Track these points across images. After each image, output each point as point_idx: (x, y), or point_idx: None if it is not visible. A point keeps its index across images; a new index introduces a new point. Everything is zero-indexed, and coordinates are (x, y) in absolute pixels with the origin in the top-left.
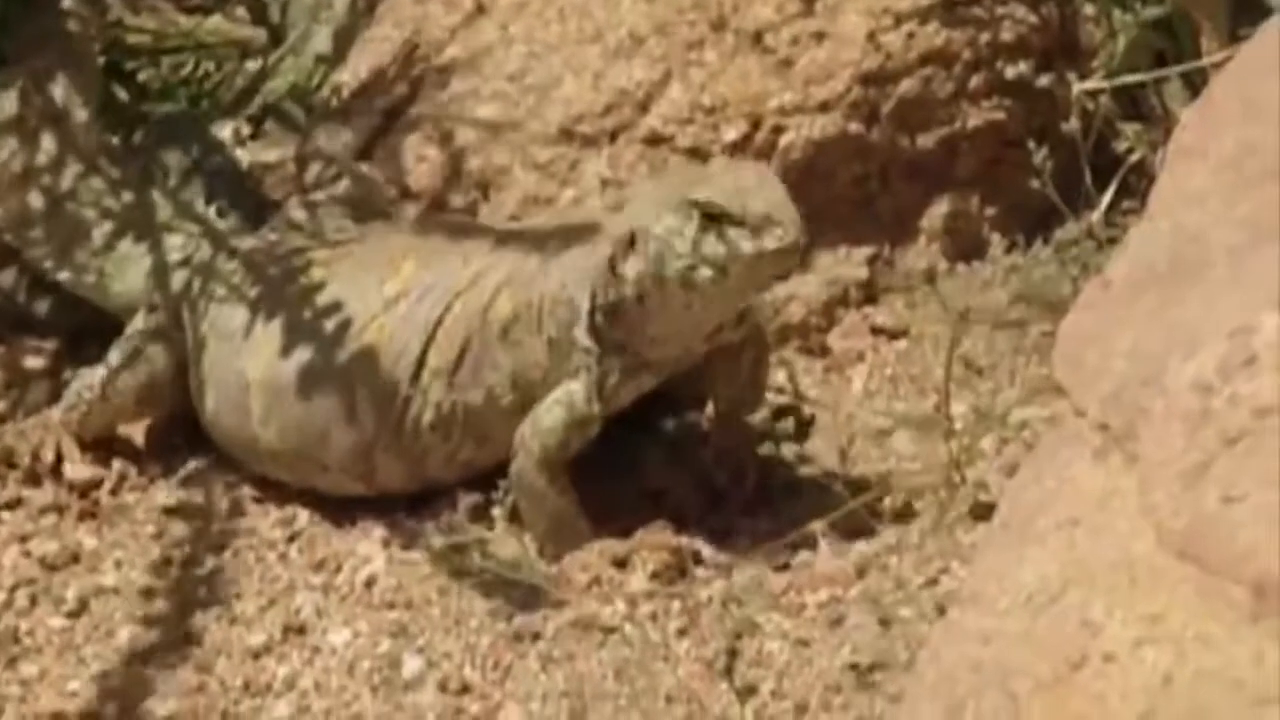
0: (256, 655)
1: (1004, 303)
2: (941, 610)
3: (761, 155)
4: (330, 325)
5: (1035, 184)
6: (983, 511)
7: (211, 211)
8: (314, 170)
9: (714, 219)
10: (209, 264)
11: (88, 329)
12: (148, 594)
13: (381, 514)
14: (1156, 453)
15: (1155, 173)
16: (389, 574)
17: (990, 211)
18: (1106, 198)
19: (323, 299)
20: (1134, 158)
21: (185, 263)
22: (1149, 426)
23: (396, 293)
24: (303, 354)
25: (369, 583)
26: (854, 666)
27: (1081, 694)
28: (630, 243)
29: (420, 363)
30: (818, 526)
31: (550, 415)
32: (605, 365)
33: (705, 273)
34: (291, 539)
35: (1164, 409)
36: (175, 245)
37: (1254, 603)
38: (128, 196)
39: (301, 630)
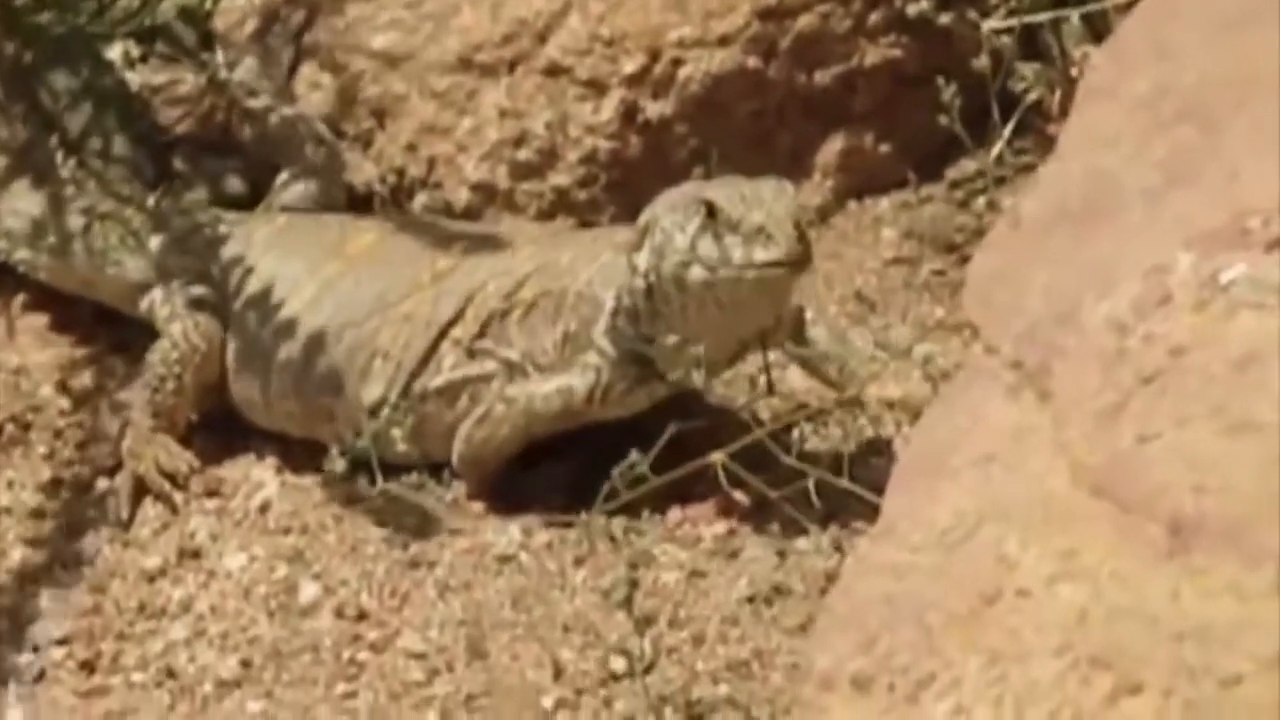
0: (151, 578)
1: (896, 239)
2: (838, 546)
3: (660, 88)
4: (376, 287)
5: (935, 121)
6: (881, 446)
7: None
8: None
9: (715, 220)
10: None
11: None
12: (38, 515)
13: (274, 439)
14: (1071, 391)
15: (1052, 113)
16: (283, 499)
17: (884, 149)
18: (1004, 136)
19: (376, 261)
20: (1031, 97)
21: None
22: (1063, 364)
23: (447, 266)
24: (335, 307)
25: (263, 508)
26: (750, 599)
27: (996, 628)
28: (643, 233)
29: (443, 332)
30: (717, 458)
31: (546, 398)
32: (616, 371)
33: (698, 272)
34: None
35: (1078, 347)
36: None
37: (1169, 540)
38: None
39: (196, 554)
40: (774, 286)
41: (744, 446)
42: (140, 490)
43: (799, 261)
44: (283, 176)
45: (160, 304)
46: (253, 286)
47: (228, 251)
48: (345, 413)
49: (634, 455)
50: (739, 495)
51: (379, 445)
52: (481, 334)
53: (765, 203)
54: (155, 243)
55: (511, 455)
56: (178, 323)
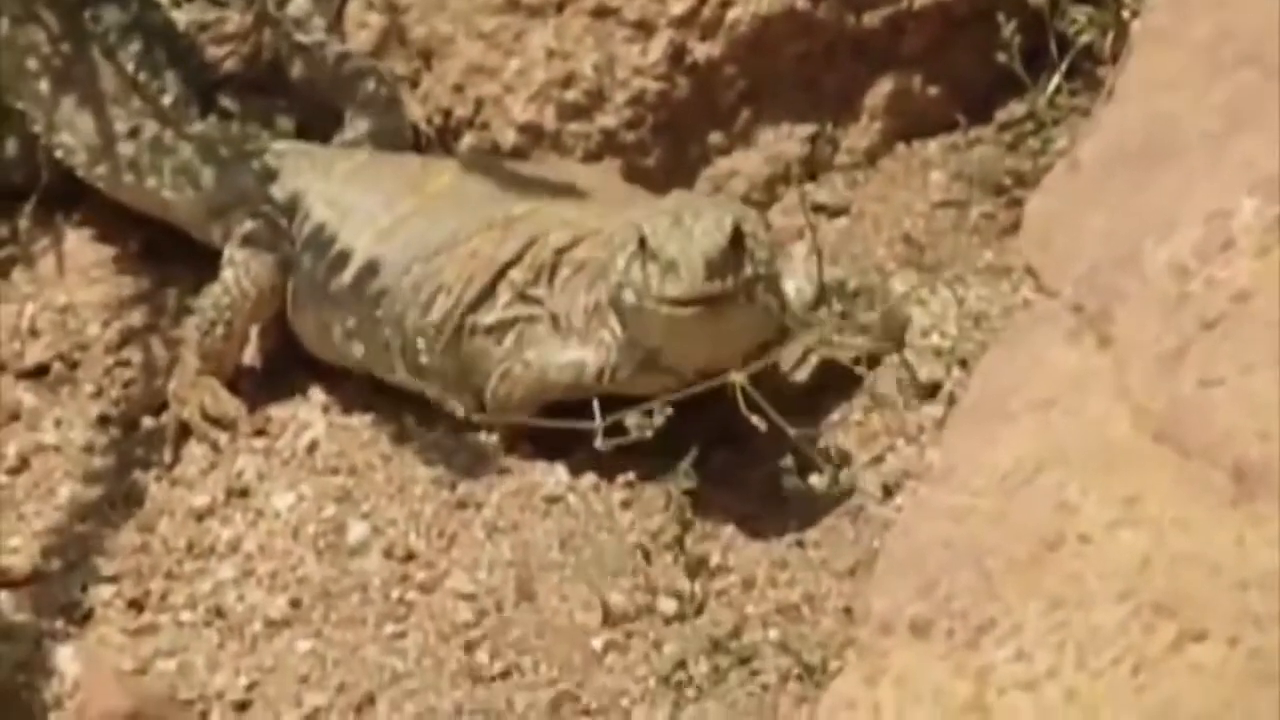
0: (200, 517)
1: (944, 181)
2: (888, 489)
3: (708, 30)
4: (449, 225)
5: (984, 64)
6: (929, 391)
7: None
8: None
9: (643, 248)
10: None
11: None
12: (87, 453)
13: (322, 379)
14: (1132, 335)
15: (1103, 56)
16: (330, 439)
17: (933, 91)
18: (1055, 80)
19: (451, 200)
20: (1083, 40)
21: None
22: (1124, 309)
23: (521, 212)
24: (406, 241)
25: (311, 448)
26: (800, 542)
27: (1057, 574)
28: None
29: (503, 271)
30: (736, 378)
31: (559, 369)
32: (624, 354)
33: (627, 296)
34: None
35: (1139, 292)
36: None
37: (1234, 487)
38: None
39: (244, 493)
40: (684, 324)
41: (799, 388)
42: (185, 433)
43: (709, 299)
44: (349, 112)
45: (223, 241)
46: (327, 216)
47: (303, 180)
48: (402, 346)
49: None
50: (755, 419)
51: (425, 388)
52: (534, 281)
53: (691, 236)
54: (218, 169)
55: (532, 413)
56: (231, 269)
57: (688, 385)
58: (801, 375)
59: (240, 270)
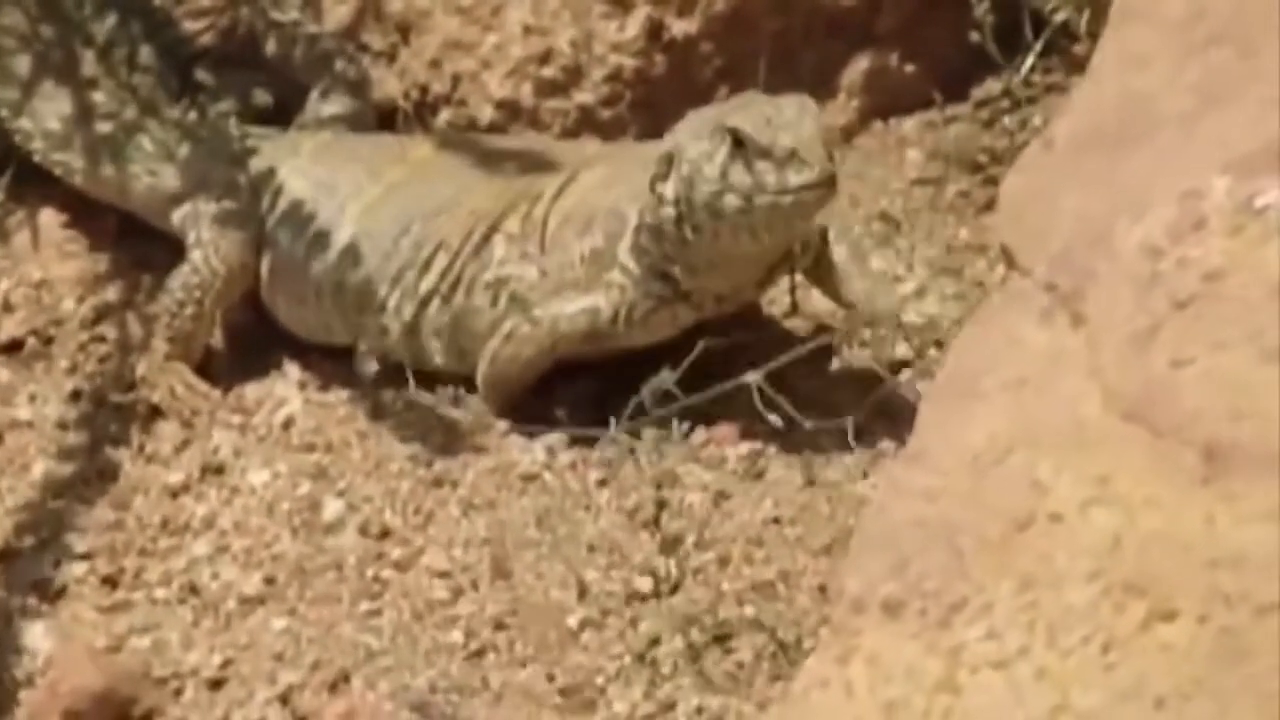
0: (174, 494)
1: (921, 159)
2: (864, 468)
3: (685, 6)
4: (447, 189)
5: (960, 41)
6: (899, 369)
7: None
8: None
9: (744, 148)
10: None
11: None
12: (61, 429)
13: (298, 355)
14: (1105, 315)
15: (1079, 33)
16: (306, 415)
17: (910, 69)
18: (1030, 58)
19: (439, 168)
20: (1059, 18)
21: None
22: (1097, 288)
23: (515, 169)
24: (403, 204)
25: (287, 424)
26: (776, 520)
27: (1029, 553)
28: (669, 162)
29: (496, 225)
30: (752, 378)
31: (571, 318)
32: (640, 289)
33: (731, 200)
34: (207, 378)
35: (1112, 271)
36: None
37: (1204, 466)
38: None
39: (219, 470)
40: (810, 207)
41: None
42: (156, 412)
43: (833, 180)
44: (315, 93)
45: (189, 224)
46: (304, 190)
47: (270, 160)
48: (390, 312)
49: (665, 372)
50: (773, 417)
51: (415, 354)
52: (528, 235)
53: (792, 125)
54: (185, 153)
55: (536, 377)
56: (199, 250)
57: (703, 318)
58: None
59: (209, 250)
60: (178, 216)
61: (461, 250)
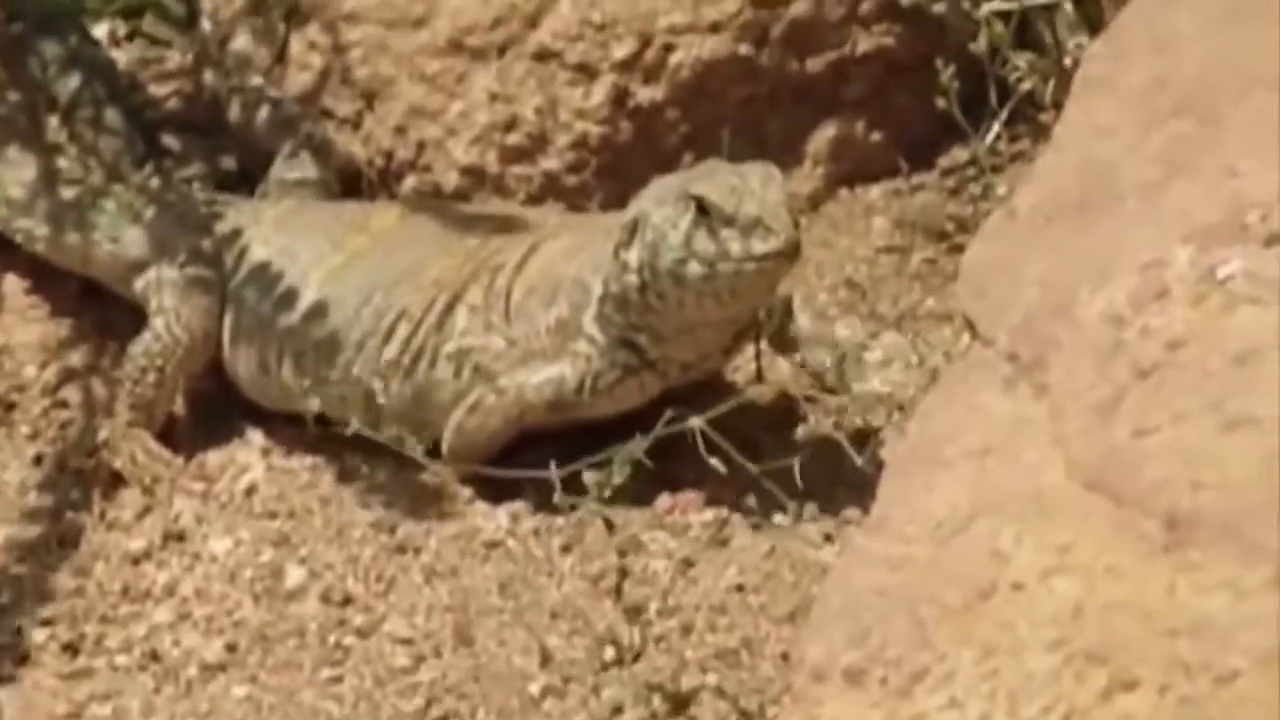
0: (135, 561)
1: (887, 227)
2: (828, 535)
3: (651, 74)
4: (408, 257)
5: (927, 110)
6: (864, 437)
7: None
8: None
9: (708, 215)
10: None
11: None
12: (22, 495)
13: (261, 422)
14: (1067, 384)
15: (1044, 102)
16: (269, 483)
17: (876, 137)
18: (996, 126)
19: (404, 236)
20: (1025, 87)
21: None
22: (1059, 357)
23: (479, 241)
24: (365, 274)
25: (249, 491)
26: (739, 587)
27: (990, 621)
28: (632, 229)
29: (458, 295)
30: (695, 422)
31: (537, 388)
32: (605, 359)
33: (695, 268)
34: (169, 445)
35: (1075, 340)
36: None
37: (1165, 535)
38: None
39: (181, 537)
40: (774, 275)
41: (736, 434)
42: (119, 479)
43: (797, 248)
44: (278, 158)
45: (151, 291)
46: (267, 256)
47: (232, 226)
48: (351, 381)
49: (636, 440)
50: (714, 461)
51: (375, 424)
52: (491, 306)
53: (757, 193)
54: (149, 218)
55: (501, 447)
56: (161, 317)
57: (669, 386)
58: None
59: (170, 317)
60: (140, 283)
61: (424, 320)
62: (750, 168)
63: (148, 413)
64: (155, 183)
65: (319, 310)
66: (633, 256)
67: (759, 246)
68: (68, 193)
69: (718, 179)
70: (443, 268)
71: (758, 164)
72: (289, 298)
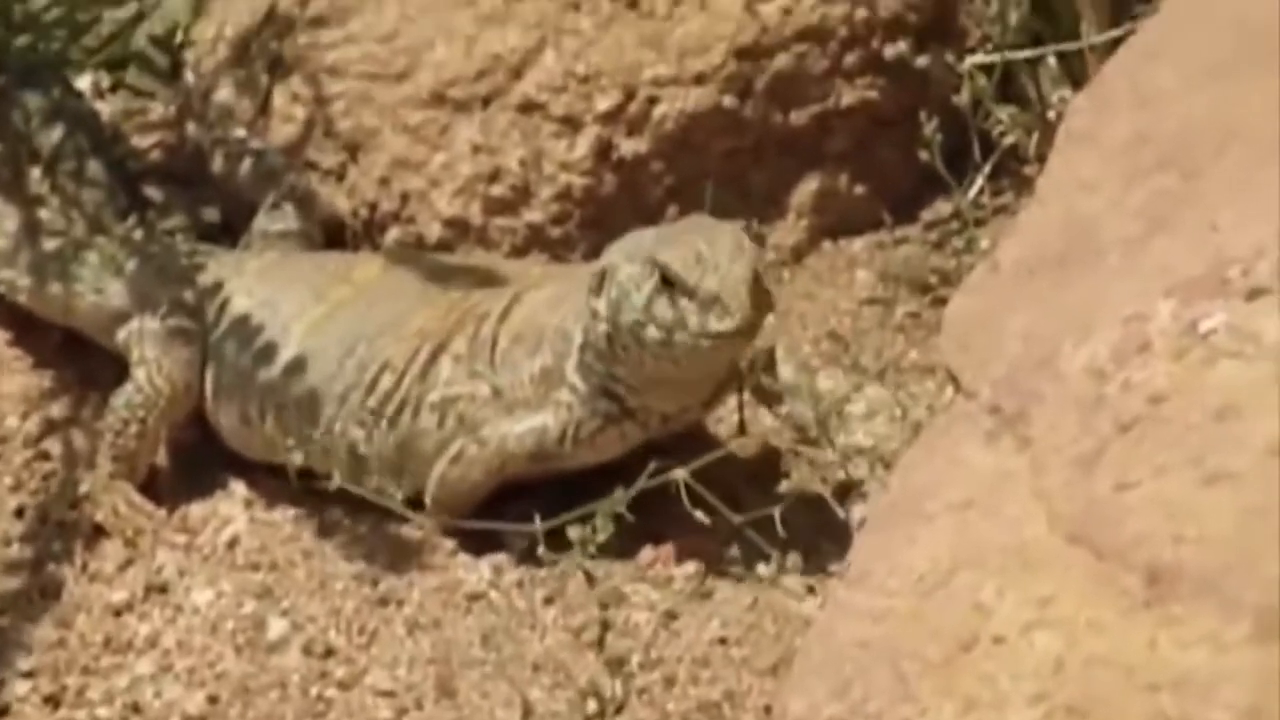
0: (118, 613)
1: (870, 280)
2: (810, 587)
3: (635, 126)
4: (391, 309)
5: (910, 163)
6: (846, 490)
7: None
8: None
9: (670, 284)
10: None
11: None
12: (5, 544)
13: (244, 474)
14: (1049, 437)
15: (1027, 156)
16: (251, 535)
17: (859, 189)
18: (979, 180)
19: (384, 289)
20: (1008, 140)
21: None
22: (1042, 410)
23: (459, 294)
24: (348, 325)
25: (231, 543)
26: (722, 640)
27: (971, 675)
28: (601, 278)
29: (443, 345)
30: (679, 474)
31: (519, 438)
32: (587, 408)
33: (653, 333)
34: (151, 496)
35: (1057, 393)
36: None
37: (1146, 589)
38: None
39: (163, 589)
40: (726, 353)
41: (719, 486)
42: (100, 532)
43: (752, 329)
44: (261, 210)
45: (134, 342)
46: (249, 308)
47: (214, 278)
48: (335, 434)
49: (618, 492)
50: (698, 514)
51: (358, 475)
52: (476, 355)
53: (721, 266)
54: (131, 270)
55: (485, 497)
56: (143, 368)
57: (650, 437)
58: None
59: (152, 369)
60: (122, 334)
61: (407, 371)
62: (723, 235)
63: (130, 465)
64: (138, 234)
65: (300, 364)
66: (600, 305)
67: (714, 324)
68: (50, 244)
69: (686, 245)
70: (426, 318)
71: (732, 231)
72: (270, 351)
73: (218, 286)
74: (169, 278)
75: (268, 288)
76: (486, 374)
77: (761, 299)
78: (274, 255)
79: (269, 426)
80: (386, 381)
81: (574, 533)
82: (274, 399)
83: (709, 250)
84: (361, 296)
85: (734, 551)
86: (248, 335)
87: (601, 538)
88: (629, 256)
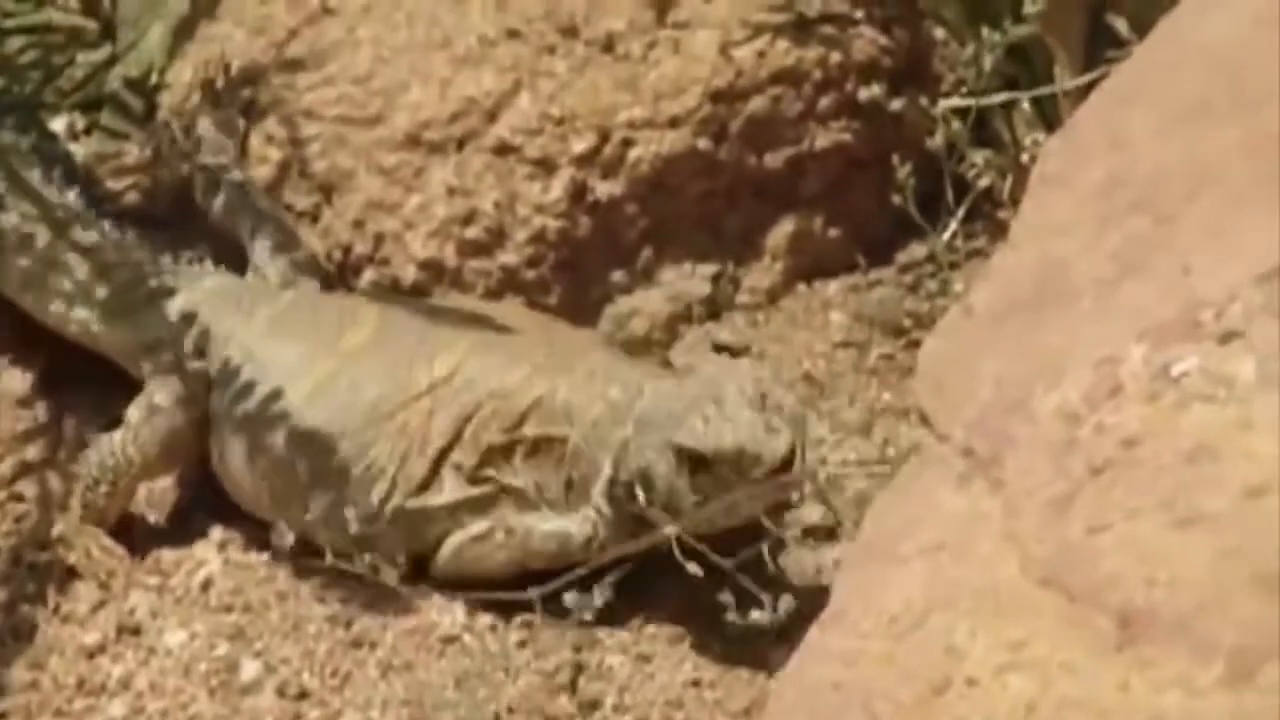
0: (90, 655)
1: (845, 322)
2: (783, 630)
3: (609, 169)
4: (370, 393)
5: (885, 206)
6: (825, 532)
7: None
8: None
9: (695, 458)
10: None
11: None
12: None
13: (217, 516)
14: (1022, 480)
15: (1002, 199)
16: (225, 576)
17: (834, 232)
18: (954, 223)
19: (372, 363)
20: (982, 183)
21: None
22: (1014, 453)
23: (443, 375)
24: (330, 411)
25: (205, 585)
26: (695, 683)
27: (944, 717)
28: (630, 487)
29: (442, 455)
30: (671, 530)
31: (544, 537)
32: (613, 528)
33: (692, 499)
34: (126, 538)
35: (1029, 436)
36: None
37: (1118, 632)
38: None
39: (136, 631)
40: (773, 492)
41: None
42: (73, 574)
43: (789, 461)
44: (262, 242)
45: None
46: (249, 372)
47: (222, 328)
48: (329, 507)
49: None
50: (691, 566)
51: (367, 544)
52: (482, 464)
53: (731, 416)
54: (172, 306)
55: (496, 582)
56: (124, 432)
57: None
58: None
59: (130, 435)
60: (147, 368)
61: (398, 477)
62: (723, 381)
63: (100, 517)
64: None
65: (293, 446)
66: (639, 499)
67: (759, 473)
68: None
69: (694, 413)
70: (409, 413)
71: (727, 367)
72: (269, 422)
73: (224, 338)
74: (170, 325)
75: (268, 346)
76: (500, 476)
77: (779, 420)
78: (285, 300)
79: (278, 493)
80: (379, 486)
81: (571, 600)
82: (269, 465)
83: (715, 408)
84: (344, 374)
85: (707, 594)
86: (248, 398)
87: (599, 604)
88: (655, 450)
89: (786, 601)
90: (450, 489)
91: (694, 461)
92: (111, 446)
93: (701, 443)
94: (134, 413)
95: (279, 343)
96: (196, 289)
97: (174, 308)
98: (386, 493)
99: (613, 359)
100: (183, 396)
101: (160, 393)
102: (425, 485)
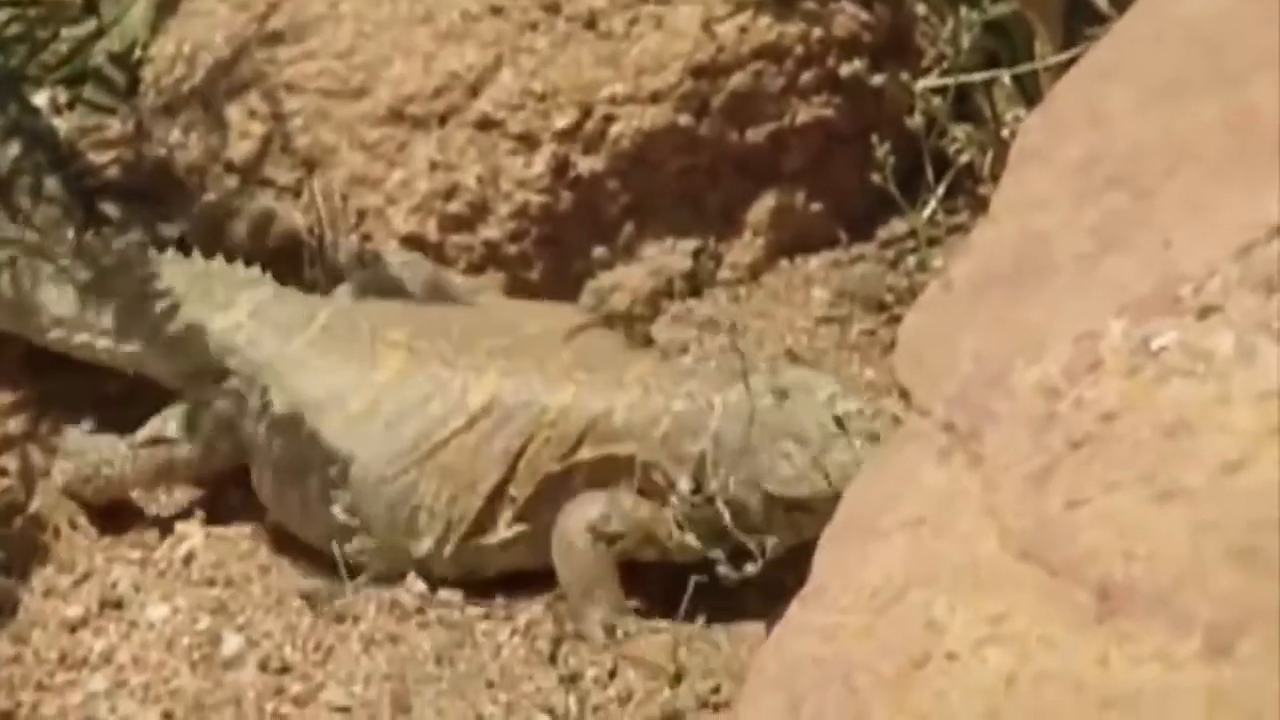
0: (72, 628)
1: (826, 298)
2: (764, 604)
3: (591, 144)
4: (408, 432)
5: (866, 181)
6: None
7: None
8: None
9: (800, 504)
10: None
11: None
12: None
13: (200, 489)
14: (1001, 454)
15: (982, 174)
16: (208, 550)
17: (816, 207)
18: (934, 198)
19: (405, 396)
20: (963, 159)
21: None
22: (994, 428)
23: (481, 406)
24: (368, 455)
25: (187, 559)
26: (676, 651)
27: (923, 691)
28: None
29: (499, 492)
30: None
31: (631, 526)
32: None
33: (807, 529)
34: (109, 512)
35: (1009, 411)
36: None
37: (1097, 605)
38: None
39: (119, 605)
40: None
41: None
42: (54, 547)
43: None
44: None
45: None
46: (284, 406)
47: (262, 355)
48: (379, 549)
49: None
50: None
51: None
52: (538, 493)
53: (813, 443)
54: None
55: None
56: (124, 448)
57: None
58: None
59: (130, 454)
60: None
61: (450, 517)
62: (803, 412)
63: (83, 501)
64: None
65: (332, 483)
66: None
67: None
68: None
69: (778, 456)
70: (451, 452)
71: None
72: (308, 461)
73: (261, 367)
74: (208, 356)
75: (303, 377)
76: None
77: (861, 448)
78: (322, 319)
79: (310, 522)
80: (426, 523)
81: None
82: (311, 500)
83: (797, 447)
84: (379, 412)
85: (690, 565)
86: (287, 432)
87: (633, 630)
88: (730, 480)
89: (760, 589)
90: (503, 525)
91: (789, 501)
92: (111, 455)
93: (797, 491)
94: (144, 432)
95: (313, 375)
96: (231, 314)
97: (213, 339)
98: (442, 534)
99: (652, 365)
100: (196, 430)
101: (172, 423)
102: (481, 525)
